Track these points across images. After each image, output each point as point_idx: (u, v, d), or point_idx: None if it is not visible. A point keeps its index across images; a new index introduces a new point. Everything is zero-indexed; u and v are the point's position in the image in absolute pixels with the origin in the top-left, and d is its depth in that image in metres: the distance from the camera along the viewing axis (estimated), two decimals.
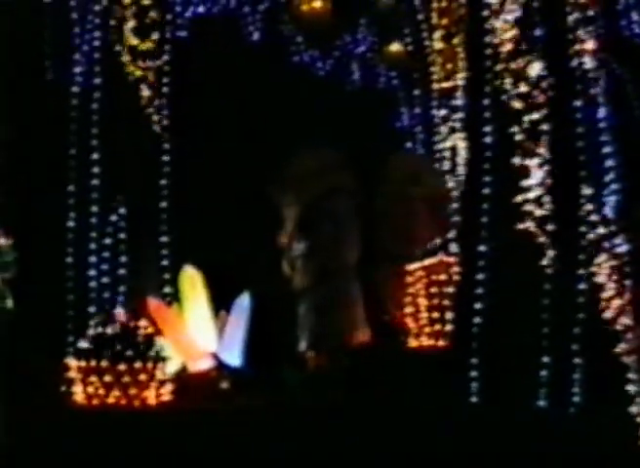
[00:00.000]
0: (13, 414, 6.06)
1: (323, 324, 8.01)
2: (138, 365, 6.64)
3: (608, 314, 6.79)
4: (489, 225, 6.82)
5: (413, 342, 8.14)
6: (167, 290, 7.89)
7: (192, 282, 8.14)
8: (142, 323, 6.94)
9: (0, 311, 6.68)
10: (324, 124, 9.03)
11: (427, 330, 8.00)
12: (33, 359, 7.09)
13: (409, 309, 8.09)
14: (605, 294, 6.76)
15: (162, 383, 6.86)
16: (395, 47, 10.23)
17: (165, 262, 7.93)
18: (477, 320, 6.60)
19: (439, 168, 8.92)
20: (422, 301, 8.09)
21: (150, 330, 6.97)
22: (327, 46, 10.41)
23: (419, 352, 7.80)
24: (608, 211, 7.00)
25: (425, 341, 8.03)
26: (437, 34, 9.70)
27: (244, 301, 7.80)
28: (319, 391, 7.56)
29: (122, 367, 6.60)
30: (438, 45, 9.80)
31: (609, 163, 7.05)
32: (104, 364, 6.61)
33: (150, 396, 6.76)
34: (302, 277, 8.20)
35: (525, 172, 6.91)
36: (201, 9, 9.03)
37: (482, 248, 6.76)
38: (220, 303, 8.01)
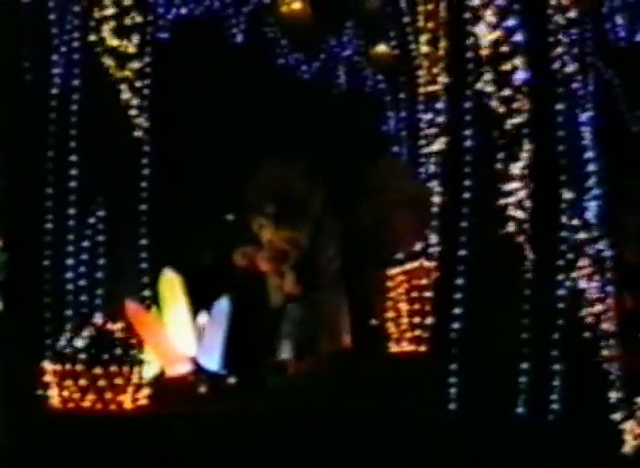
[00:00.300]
0: None
1: (305, 333, 8.05)
2: (113, 368, 6.63)
3: (589, 320, 6.84)
4: (468, 229, 6.84)
5: (394, 348, 8.20)
6: (146, 293, 7.89)
7: (172, 285, 8.05)
8: (119, 326, 7.00)
9: None
10: (307, 127, 9.06)
11: (408, 335, 8.09)
12: (13, 362, 7.12)
13: (390, 314, 8.15)
14: (586, 300, 6.85)
15: (139, 387, 6.82)
16: (381, 49, 10.32)
17: (144, 265, 7.94)
18: (456, 325, 6.62)
19: (414, 171, 8.96)
20: (403, 306, 8.03)
21: (127, 333, 7.01)
22: (312, 48, 10.51)
23: (399, 358, 7.81)
24: (589, 215, 7.05)
25: (406, 347, 8.14)
26: (423, 38, 9.77)
27: (223, 305, 7.78)
28: (300, 395, 7.61)
29: (97, 370, 6.60)
30: (424, 48, 9.86)
31: (591, 167, 7.09)
32: (79, 367, 6.66)
33: (126, 400, 6.75)
34: (291, 287, 8.13)
35: (506, 176, 6.96)
36: (183, 11, 9.02)
37: (461, 252, 6.81)
38: (200, 307, 8.11)
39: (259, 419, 6.68)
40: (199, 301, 7.83)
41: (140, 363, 6.81)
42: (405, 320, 8.00)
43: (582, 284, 6.66)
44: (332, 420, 6.62)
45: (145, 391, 6.90)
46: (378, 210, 8.23)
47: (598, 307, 6.79)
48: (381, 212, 8.28)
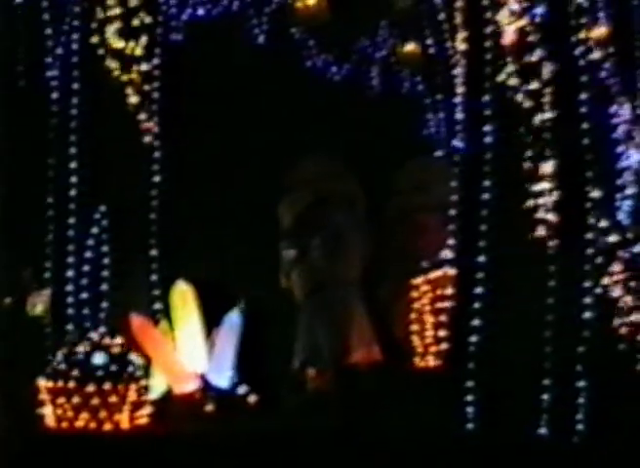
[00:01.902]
0: None
1: (317, 339, 7.53)
2: (107, 386, 6.33)
3: (622, 331, 6.22)
4: (489, 234, 6.31)
5: (419, 363, 7.70)
6: (156, 306, 7.61)
7: (184, 298, 7.68)
8: (117, 341, 6.69)
9: None
10: (329, 131, 8.65)
11: (433, 349, 7.58)
12: (7, 378, 6.88)
13: (414, 327, 7.69)
14: (619, 309, 6.23)
15: (137, 406, 6.50)
16: (411, 47, 9.86)
17: (154, 277, 7.66)
18: (474, 338, 6.08)
19: (450, 174, 8.47)
20: (428, 318, 7.57)
21: (126, 348, 6.70)
22: (341, 50, 10.12)
23: (421, 373, 7.31)
24: (622, 216, 6.43)
25: (432, 362, 7.62)
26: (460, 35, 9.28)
27: (234, 318, 7.32)
28: (319, 414, 7.17)
29: (90, 388, 6.27)
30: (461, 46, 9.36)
31: (624, 163, 6.49)
32: (72, 385, 6.34)
33: (123, 419, 6.45)
34: (296, 290, 7.73)
35: (533, 175, 6.41)
36: (200, 11, 8.74)
37: (481, 258, 6.27)
38: (213, 321, 7.76)
39: (269, 441, 6.32)
40: (212, 315, 7.61)
41: (140, 380, 6.59)
42: (430, 333, 7.60)
43: (615, 291, 6.14)
44: (348, 444, 6.21)
45: (146, 410, 6.68)
46: (407, 213, 7.85)
47: (633, 317, 6.27)
48: (411, 215, 7.88)
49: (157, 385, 7.18)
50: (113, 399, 6.25)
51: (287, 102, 8.83)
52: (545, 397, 5.69)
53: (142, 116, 7.67)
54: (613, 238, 6.15)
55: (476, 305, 6.01)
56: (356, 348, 7.66)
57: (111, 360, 6.43)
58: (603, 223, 6.01)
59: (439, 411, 6.01)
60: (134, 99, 7.71)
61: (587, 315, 5.76)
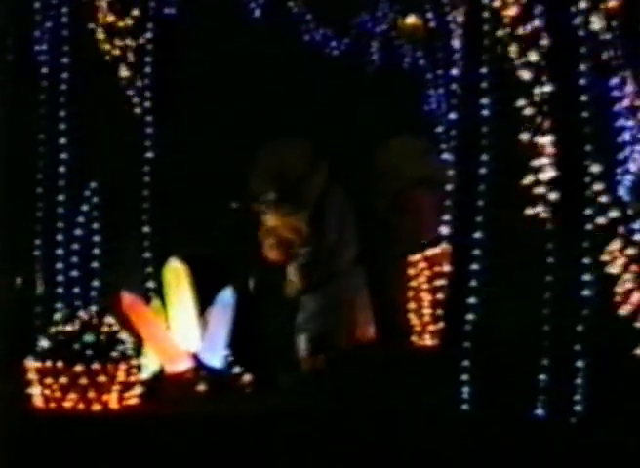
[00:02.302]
0: None
1: (321, 327, 7.40)
2: (96, 366, 6.22)
3: (623, 310, 6.07)
4: (485, 210, 6.16)
5: (417, 341, 7.57)
6: (149, 284, 7.50)
7: (177, 276, 7.56)
8: (107, 320, 6.57)
9: None
10: (324, 111, 8.46)
11: (431, 327, 7.42)
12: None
13: (411, 305, 7.53)
14: (620, 287, 6.08)
15: (127, 386, 6.38)
16: (412, 20, 9.63)
17: (147, 255, 7.52)
18: (469, 316, 5.94)
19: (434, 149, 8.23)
20: (426, 296, 7.44)
21: (115, 327, 6.58)
22: (340, 24, 9.91)
23: (418, 353, 7.19)
24: (623, 191, 6.25)
25: (430, 341, 7.48)
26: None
27: (227, 296, 7.15)
28: (315, 395, 7.05)
29: (78, 368, 6.16)
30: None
31: (624, 137, 6.30)
32: (60, 364, 6.24)
33: (112, 399, 6.32)
34: (304, 280, 7.56)
35: (529, 150, 6.23)
36: None
37: (477, 235, 6.11)
38: (207, 300, 7.63)
39: (260, 421, 6.22)
40: (207, 294, 7.48)
41: (129, 359, 6.47)
42: (427, 311, 7.46)
43: (616, 269, 5.97)
44: (340, 421, 6.11)
45: (136, 390, 6.56)
46: (391, 191, 7.67)
47: (635, 297, 6.11)
48: (395, 193, 7.70)
49: (149, 365, 7.17)
50: (102, 379, 6.21)
51: (284, 77, 8.68)
52: (543, 377, 5.55)
53: (134, 91, 7.66)
54: (613, 214, 6.02)
55: (472, 283, 5.93)
56: (357, 329, 7.65)
57: (100, 339, 6.43)
58: (603, 199, 5.88)
59: (435, 391, 5.95)
60: (125, 74, 7.68)
61: (586, 293, 5.64)
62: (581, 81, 5.72)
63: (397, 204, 7.64)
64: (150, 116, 7.53)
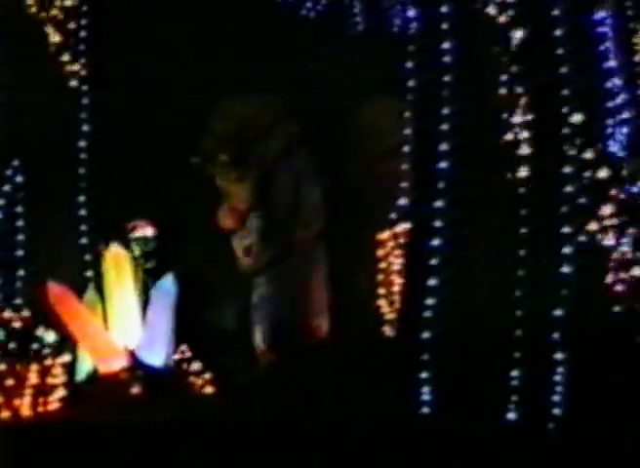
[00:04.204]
0: None
1: (277, 315, 6.37)
2: (1, 367, 5.48)
3: (617, 289, 5.07)
4: (449, 174, 5.21)
5: (387, 331, 6.64)
6: (85, 273, 6.65)
7: (117, 263, 6.75)
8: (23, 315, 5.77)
9: None
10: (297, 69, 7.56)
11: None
12: None
13: (381, 290, 6.60)
14: (612, 262, 5.08)
15: (43, 390, 5.61)
16: None
17: (83, 240, 6.71)
18: (430, 301, 5.00)
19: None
20: (397, 279, 6.53)
21: (32, 323, 5.78)
22: None
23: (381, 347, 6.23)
24: (616, 147, 5.24)
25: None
26: None
27: (167, 285, 6.30)
28: (273, 392, 6.19)
29: None
30: None
31: (614, 82, 5.28)
32: None
33: (24, 405, 5.55)
34: (258, 257, 6.58)
35: (499, 102, 5.25)
36: None
37: (439, 204, 5.12)
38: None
39: (193, 431, 5.37)
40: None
41: (44, 360, 5.64)
42: (399, 297, 6.53)
43: (606, 240, 4.98)
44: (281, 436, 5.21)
45: (57, 394, 5.76)
46: (363, 158, 6.75)
47: (633, 272, 5.10)
48: (367, 160, 6.77)
49: (83, 365, 6.48)
50: (9, 382, 5.48)
51: (247, 36, 7.76)
52: (515, 373, 4.65)
53: (67, 57, 6.88)
54: (603, 173, 5.02)
55: (433, 261, 4.99)
56: (315, 319, 6.75)
57: (10, 336, 5.67)
58: (588, 155, 4.87)
59: (394, 391, 5.05)
60: (56, 39, 6.92)
61: (566, 269, 4.67)
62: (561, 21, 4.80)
63: (371, 171, 6.79)
64: (85, 85, 6.87)
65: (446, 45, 5.12)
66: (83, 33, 6.75)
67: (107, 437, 5.22)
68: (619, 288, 4.96)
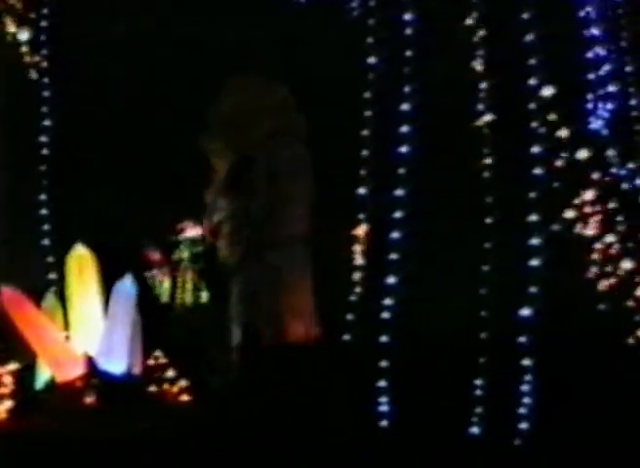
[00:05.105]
0: None
1: (255, 310, 5.96)
2: None
3: (601, 286, 4.50)
4: (410, 159, 4.69)
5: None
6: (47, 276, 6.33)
7: (81, 265, 6.28)
8: None
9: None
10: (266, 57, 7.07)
11: None
12: None
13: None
14: (596, 255, 4.51)
15: None
16: None
17: (45, 241, 6.32)
18: (387, 302, 4.48)
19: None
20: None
21: None
22: None
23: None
24: (598, 125, 4.64)
25: None
26: None
27: (127, 287, 5.79)
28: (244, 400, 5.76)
29: None
30: None
31: (596, 52, 4.68)
32: None
33: None
34: (230, 249, 6.28)
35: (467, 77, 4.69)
36: None
37: (398, 192, 4.59)
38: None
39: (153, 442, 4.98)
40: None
41: None
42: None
43: (585, 229, 4.38)
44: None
45: (3, 405, 5.42)
46: None
47: (621, 265, 4.52)
48: None
49: (42, 373, 6.11)
50: None
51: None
52: (479, 382, 4.14)
53: (27, 48, 6.56)
54: (582, 154, 4.39)
55: (392, 256, 4.48)
56: (297, 323, 6.32)
57: None
58: (563, 133, 4.25)
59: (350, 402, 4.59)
60: (14, 29, 6.61)
61: (535, 263, 4.08)
62: None
63: None
64: (47, 78, 6.54)
65: (407, 16, 4.71)
66: (44, 23, 6.64)
67: (59, 447, 5.04)
68: (604, 284, 4.45)
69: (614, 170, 4.36)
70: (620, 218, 4.40)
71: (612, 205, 4.36)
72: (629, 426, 3.64)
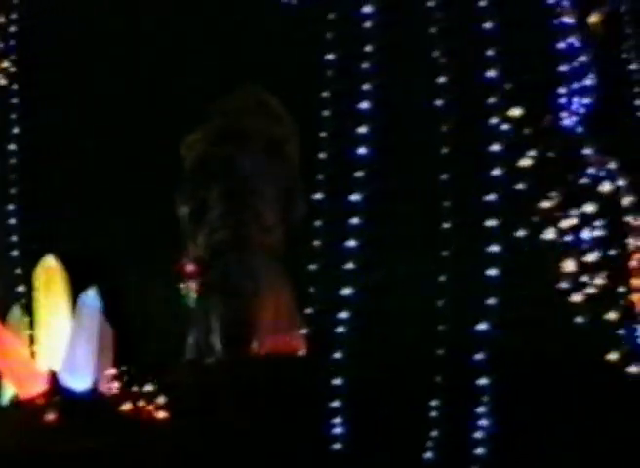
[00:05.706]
0: None
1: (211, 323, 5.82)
2: None
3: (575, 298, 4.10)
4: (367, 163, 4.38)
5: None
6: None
7: (49, 276, 6.14)
8: None
9: None
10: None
11: None
12: None
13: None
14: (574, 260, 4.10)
15: None
16: None
17: (14, 252, 6.17)
18: (343, 314, 4.16)
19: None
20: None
21: None
22: None
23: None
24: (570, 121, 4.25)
25: None
26: None
27: (91, 300, 5.54)
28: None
29: None
30: None
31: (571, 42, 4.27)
32: None
33: None
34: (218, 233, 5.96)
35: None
36: None
37: (355, 197, 4.28)
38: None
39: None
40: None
41: None
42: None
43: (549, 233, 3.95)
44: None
45: None
46: None
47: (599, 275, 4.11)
48: None
49: (7, 389, 5.90)
50: None
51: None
52: (433, 403, 3.80)
53: None
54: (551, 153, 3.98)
55: (348, 265, 4.16)
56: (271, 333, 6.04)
57: None
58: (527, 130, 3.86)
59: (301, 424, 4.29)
60: None
61: (493, 272, 3.69)
62: None
63: None
64: (15, 83, 6.37)
65: (367, 9, 4.42)
66: (13, 28, 6.49)
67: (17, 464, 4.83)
68: (577, 296, 4.07)
69: (590, 170, 4.00)
70: (598, 224, 4.04)
71: (589, 208, 4.01)
72: (597, 454, 3.29)
